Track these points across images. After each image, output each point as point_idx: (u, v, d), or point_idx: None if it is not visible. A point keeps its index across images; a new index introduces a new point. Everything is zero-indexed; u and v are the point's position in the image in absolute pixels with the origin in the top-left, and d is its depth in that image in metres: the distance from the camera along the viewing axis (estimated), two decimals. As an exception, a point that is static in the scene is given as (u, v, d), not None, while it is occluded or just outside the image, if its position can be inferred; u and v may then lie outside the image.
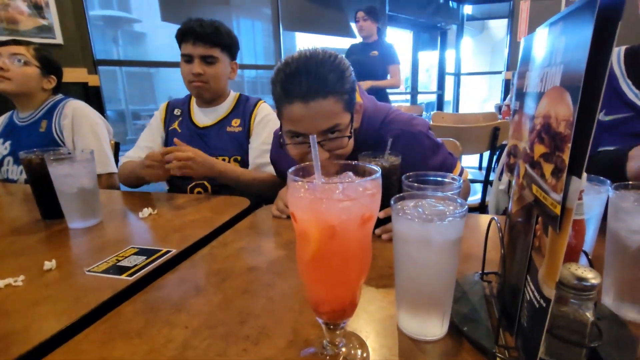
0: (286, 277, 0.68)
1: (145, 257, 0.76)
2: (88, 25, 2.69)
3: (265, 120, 1.43)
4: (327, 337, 0.47)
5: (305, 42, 5.23)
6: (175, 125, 1.47)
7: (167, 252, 0.78)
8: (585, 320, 0.39)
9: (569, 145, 0.31)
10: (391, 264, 0.69)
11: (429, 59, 7.23)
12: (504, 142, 1.98)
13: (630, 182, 0.53)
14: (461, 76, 6.55)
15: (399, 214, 0.47)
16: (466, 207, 0.47)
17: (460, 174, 1.02)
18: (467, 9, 6.46)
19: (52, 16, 2.51)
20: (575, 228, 0.44)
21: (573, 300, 0.39)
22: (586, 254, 0.47)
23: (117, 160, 1.67)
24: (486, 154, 2.23)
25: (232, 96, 1.51)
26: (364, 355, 0.48)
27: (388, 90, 3.47)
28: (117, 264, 0.73)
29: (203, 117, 1.47)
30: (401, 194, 0.51)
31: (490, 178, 1.94)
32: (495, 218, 0.56)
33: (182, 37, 1.34)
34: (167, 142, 1.47)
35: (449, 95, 6.55)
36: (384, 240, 0.81)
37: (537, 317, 0.37)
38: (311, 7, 4.60)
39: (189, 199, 1.19)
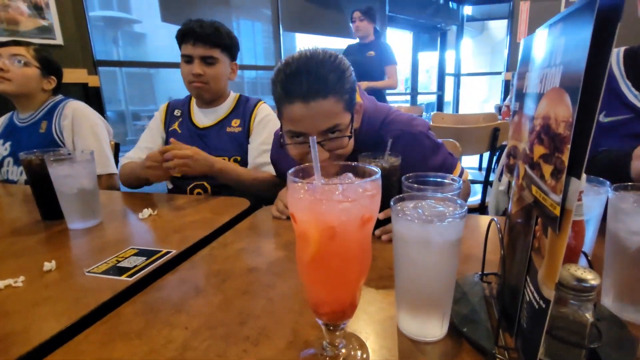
0: (286, 278, 0.68)
1: (145, 258, 0.76)
2: (88, 26, 2.69)
3: (265, 121, 1.43)
4: (326, 338, 0.47)
5: (305, 43, 5.23)
6: (175, 126, 1.48)
7: (167, 252, 0.78)
8: (584, 321, 0.39)
9: (569, 146, 0.31)
10: (391, 265, 0.69)
11: (428, 59, 7.24)
12: (503, 143, 1.98)
13: (630, 184, 0.53)
14: (461, 77, 6.55)
15: (399, 215, 0.47)
16: (466, 208, 0.47)
17: (461, 175, 1.02)
18: (467, 10, 6.46)
19: (52, 17, 2.51)
20: (575, 229, 0.44)
21: (572, 301, 0.39)
22: (586, 255, 0.47)
23: (117, 161, 1.67)
24: (486, 155, 2.23)
25: (232, 97, 1.51)
26: (364, 356, 0.48)
27: (387, 91, 3.46)
28: (117, 264, 0.73)
29: (203, 117, 1.47)
30: (401, 195, 0.51)
31: (490, 179, 1.94)
32: (495, 219, 0.56)
33: (182, 37, 1.34)
34: (167, 143, 1.47)
35: (448, 96, 6.55)
36: (384, 241, 0.81)
37: (537, 318, 0.37)
38: (311, 8, 4.61)
39: (188, 200, 1.19)
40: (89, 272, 0.71)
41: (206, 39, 1.32)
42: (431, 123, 2.60)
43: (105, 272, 0.70)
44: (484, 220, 0.98)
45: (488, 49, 8.93)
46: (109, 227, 0.97)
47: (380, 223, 0.83)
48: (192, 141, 1.36)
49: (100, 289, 0.64)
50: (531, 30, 4.03)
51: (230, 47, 1.40)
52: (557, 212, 0.33)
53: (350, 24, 3.39)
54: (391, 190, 0.80)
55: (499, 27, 7.93)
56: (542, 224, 0.38)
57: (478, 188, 2.40)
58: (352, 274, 0.44)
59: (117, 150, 1.74)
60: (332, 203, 0.40)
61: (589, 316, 0.39)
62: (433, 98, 6.97)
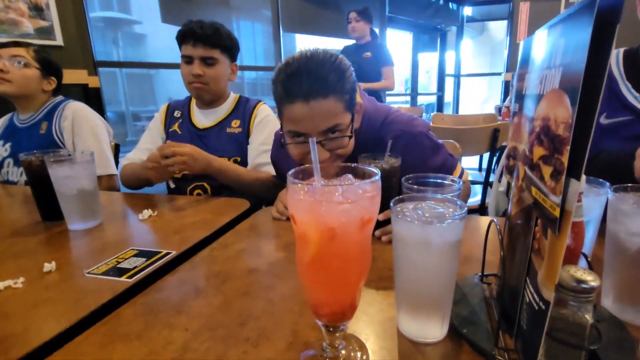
0: (286, 279, 0.68)
1: (145, 259, 0.76)
2: (88, 26, 2.69)
3: (265, 121, 1.44)
4: (326, 339, 0.47)
5: (305, 43, 5.23)
6: (175, 127, 1.48)
7: (167, 253, 0.78)
8: (584, 323, 0.39)
9: (568, 147, 0.31)
10: (391, 266, 0.69)
11: (428, 60, 7.24)
12: (503, 144, 1.98)
13: (630, 185, 0.53)
14: (461, 77, 6.55)
15: (399, 216, 0.47)
16: (465, 209, 0.47)
17: (461, 175, 1.02)
18: (467, 11, 6.46)
19: (53, 18, 2.51)
20: (575, 230, 0.44)
21: (572, 302, 0.39)
22: (585, 256, 0.47)
23: (117, 162, 1.67)
24: (486, 156, 2.23)
25: (232, 98, 1.51)
26: (364, 357, 0.48)
27: (387, 92, 3.44)
28: (117, 265, 0.73)
29: (203, 118, 1.47)
30: (401, 196, 0.51)
31: (490, 179, 1.94)
32: (495, 220, 0.56)
33: (182, 38, 1.34)
34: (167, 144, 1.47)
35: (448, 97, 6.55)
36: (384, 242, 0.81)
37: (537, 320, 0.37)
38: (311, 9, 4.61)
39: (188, 201, 1.19)
40: (89, 273, 0.71)
41: (206, 39, 1.33)
42: (431, 124, 2.60)
43: (105, 273, 0.70)
44: (484, 221, 0.98)
45: (488, 50, 8.93)
46: (109, 228, 0.97)
47: (380, 224, 0.83)
48: (192, 142, 1.36)
49: (100, 290, 0.64)
50: (531, 31, 4.04)
51: (230, 48, 1.41)
52: (557, 213, 0.33)
53: (351, 24, 3.37)
54: (391, 191, 0.80)
55: (498, 28, 7.93)
56: (542, 225, 0.38)
57: (478, 189, 2.40)
58: (352, 275, 0.44)
59: (117, 151, 1.74)
60: (332, 204, 0.40)
61: (588, 317, 0.38)
62: (433, 99, 6.97)
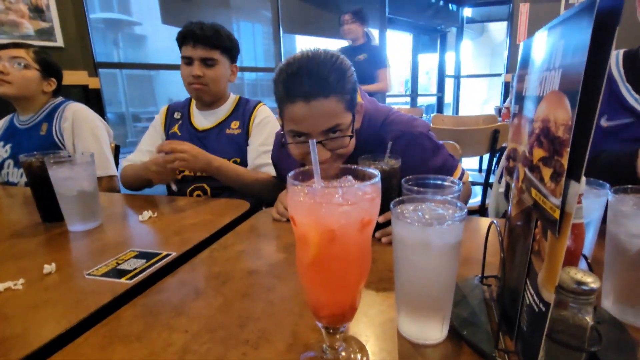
0: (286, 281, 0.68)
1: (145, 260, 0.76)
2: (89, 28, 2.69)
3: (265, 122, 1.44)
4: (326, 341, 0.47)
5: (306, 44, 5.23)
6: (175, 128, 1.48)
7: (167, 255, 0.78)
8: (584, 325, 0.39)
9: (568, 149, 0.31)
10: (391, 268, 0.69)
11: (428, 61, 7.24)
12: (503, 145, 1.98)
13: (629, 186, 0.53)
14: (461, 78, 6.56)
15: (399, 218, 0.47)
16: (465, 210, 0.47)
17: (461, 176, 1.02)
18: (467, 12, 6.47)
19: (53, 19, 2.51)
20: (575, 232, 0.44)
21: (572, 304, 0.39)
22: (585, 258, 0.47)
23: (117, 163, 1.67)
24: (486, 157, 2.23)
25: (232, 99, 1.51)
26: (364, 359, 0.48)
27: (387, 94, 3.42)
28: (117, 267, 0.73)
29: (203, 120, 1.47)
30: (401, 198, 0.51)
31: (490, 180, 1.94)
32: (495, 221, 0.56)
33: (182, 39, 1.35)
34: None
35: (448, 98, 6.55)
36: (384, 244, 0.81)
37: (537, 321, 0.37)
38: (311, 10, 4.61)
39: (189, 202, 1.19)
40: (88, 274, 0.71)
41: (206, 40, 1.33)
42: (431, 125, 2.60)
43: (105, 275, 0.70)
44: (484, 222, 0.98)
45: (488, 51, 8.94)
46: (109, 230, 0.97)
47: (380, 226, 0.83)
48: (192, 143, 1.36)
49: (100, 292, 0.64)
50: (531, 32, 4.04)
51: (230, 49, 1.41)
52: (557, 215, 0.33)
53: (345, 26, 3.31)
54: (391, 193, 0.80)
55: (498, 29, 7.95)
56: (542, 227, 0.38)
57: (478, 190, 2.40)
58: (352, 276, 0.44)
59: (117, 152, 1.74)
60: (331, 206, 0.40)
61: (589, 319, 0.38)
62: (433, 100, 6.97)
